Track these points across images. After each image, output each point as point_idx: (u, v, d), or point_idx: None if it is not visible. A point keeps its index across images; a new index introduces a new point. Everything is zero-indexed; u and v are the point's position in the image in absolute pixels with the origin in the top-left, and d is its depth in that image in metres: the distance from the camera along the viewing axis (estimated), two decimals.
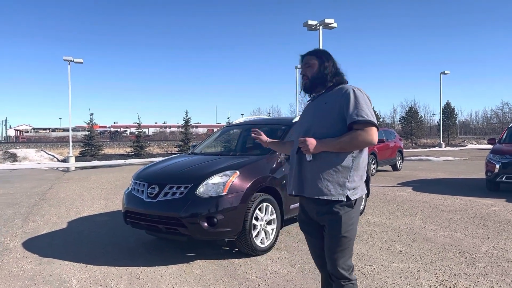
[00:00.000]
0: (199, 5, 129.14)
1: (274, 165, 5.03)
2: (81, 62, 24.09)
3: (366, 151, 2.43)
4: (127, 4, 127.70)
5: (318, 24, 18.99)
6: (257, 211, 4.60)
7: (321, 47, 19.38)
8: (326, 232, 2.36)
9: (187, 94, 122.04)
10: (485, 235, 5.34)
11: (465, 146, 38.46)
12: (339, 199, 2.29)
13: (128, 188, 5.06)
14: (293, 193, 2.47)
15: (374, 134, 2.27)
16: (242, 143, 6.32)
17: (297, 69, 29.15)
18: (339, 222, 2.29)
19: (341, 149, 2.29)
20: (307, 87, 2.58)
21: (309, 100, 2.66)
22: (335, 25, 18.93)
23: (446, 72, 35.28)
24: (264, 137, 2.98)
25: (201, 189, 4.38)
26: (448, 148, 35.32)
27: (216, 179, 4.46)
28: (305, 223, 2.54)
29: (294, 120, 5.88)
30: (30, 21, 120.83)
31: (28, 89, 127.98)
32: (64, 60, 23.75)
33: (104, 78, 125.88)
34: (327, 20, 18.54)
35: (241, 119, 6.79)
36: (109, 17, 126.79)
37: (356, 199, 2.35)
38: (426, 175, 12.92)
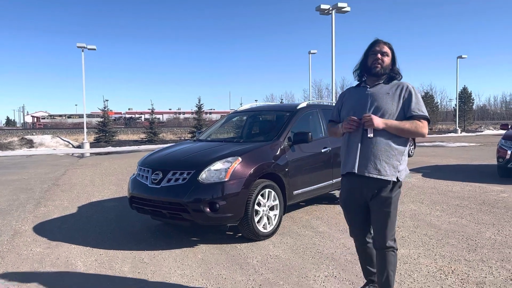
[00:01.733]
0: None
1: (278, 152, 5.05)
2: (94, 49, 24.28)
3: (409, 144, 2.80)
4: None
5: (330, 9, 18.76)
6: (259, 197, 4.64)
7: (333, 32, 19.19)
8: (377, 209, 2.66)
9: (202, 81, 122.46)
10: (491, 222, 5.30)
11: (482, 131, 37.81)
12: (392, 180, 2.60)
13: (134, 174, 5.16)
14: (353, 171, 2.65)
15: (427, 127, 2.66)
16: (246, 130, 6.35)
17: (310, 54, 28.86)
18: (390, 200, 2.63)
19: (399, 133, 2.61)
20: (376, 73, 2.72)
21: (358, 87, 2.84)
22: (348, 9, 18.67)
23: (463, 56, 34.51)
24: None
25: (203, 175, 4.44)
26: (464, 133, 34.78)
27: (218, 165, 4.51)
28: (351, 201, 2.77)
29: (299, 107, 5.88)
30: (46, 11, 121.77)
31: (45, 77, 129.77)
32: (78, 47, 23.94)
33: (120, 66, 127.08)
34: (340, 4, 18.30)
35: (246, 106, 6.80)
36: (123, 5, 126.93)
37: (402, 180, 2.69)
38: (438, 161, 12.79)
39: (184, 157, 4.88)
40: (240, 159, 4.59)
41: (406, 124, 2.59)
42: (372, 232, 2.79)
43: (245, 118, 6.55)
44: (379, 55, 2.70)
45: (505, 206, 6.19)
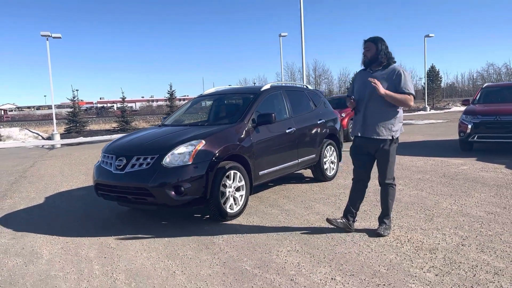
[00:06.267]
0: None
1: (242, 134, 5.11)
2: (60, 37, 23.52)
3: (401, 110, 3.93)
4: None
5: None
6: (225, 178, 4.71)
7: (302, 15, 19.23)
8: (380, 159, 3.90)
9: (174, 67, 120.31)
10: (449, 193, 5.54)
11: (450, 108, 38.82)
12: (388, 138, 3.81)
13: (98, 162, 5.14)
14: (358, 135, 3.94)
15: (412, 101, 3.79)
16: (212, 113, 6.37)
17: (281, 37, 28.82)
18: (388, 152, 3.85)
19: (392, 100, 3.74)
20: (366, 64, 3.96)
21: (365, 71, 4.01)
22: None
23: (430, 35, 35.12)
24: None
25: (167, 159, 4.47)
26: (432, 111, 35.63)
27: (182, 149, 4.54)
28: (359, 154, 4.02)
29: (263, 89, 5.92)
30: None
31: (11, 68, 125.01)
32: (42, 35, 23.12)
33: (89, 54, 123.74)
34: None
35: (211, 89, 6.80)
36: None
37: (397, 137, 3.91)
38: (404, 138, 13.11)
39: (148, 142, 4.88)
40: (203, 142, 4.63)
41: (398, 95, 3.73)
42: (369, 176, 4.04)
43: (210, 101, 6.57)
44: (364, 52, 3.92)
45: (464, 177, 6.47)
